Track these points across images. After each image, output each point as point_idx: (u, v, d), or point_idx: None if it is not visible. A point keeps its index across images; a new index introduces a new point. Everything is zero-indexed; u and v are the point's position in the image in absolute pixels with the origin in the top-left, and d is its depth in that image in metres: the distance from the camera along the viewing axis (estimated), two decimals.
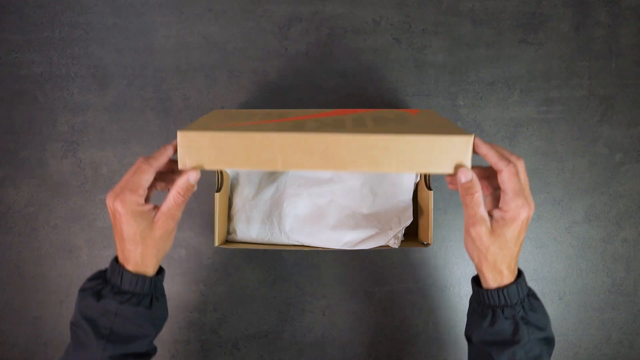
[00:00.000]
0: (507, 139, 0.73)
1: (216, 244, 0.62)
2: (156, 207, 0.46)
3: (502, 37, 0.74)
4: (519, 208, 0.43)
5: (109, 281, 0.45)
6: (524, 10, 0.74)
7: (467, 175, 0.43)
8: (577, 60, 0.74)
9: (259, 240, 0.66)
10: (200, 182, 0.73)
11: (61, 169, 0.74)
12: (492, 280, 0.46)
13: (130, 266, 0.45)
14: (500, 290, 0.45)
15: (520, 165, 0.45)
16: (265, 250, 0.72)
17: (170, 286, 0.73)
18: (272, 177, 0.66)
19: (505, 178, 0.44)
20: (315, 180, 0.64)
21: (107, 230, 0.73)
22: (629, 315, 0.73)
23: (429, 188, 0.61)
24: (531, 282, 0.72)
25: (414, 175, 0.63)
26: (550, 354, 0.47)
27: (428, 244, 0.61)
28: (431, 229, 0.61)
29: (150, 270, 0.45)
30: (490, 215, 0.45)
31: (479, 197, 0.44)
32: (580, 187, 0.73)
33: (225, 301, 0.73)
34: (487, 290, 0.46)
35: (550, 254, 0.73)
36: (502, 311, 0.45)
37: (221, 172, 0.63)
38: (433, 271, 0.73)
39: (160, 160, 0.46)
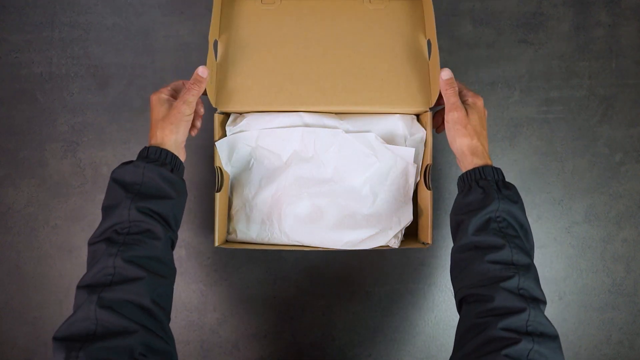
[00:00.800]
0: (507, 139, 0.73)
1: (216, 244, 0.62)
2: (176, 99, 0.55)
3: (502, 37, 0.74)
4: (474, 96, 0.56)
5: (138, 157, 0.52)
6: (524, 10, 0.74)
7: (448, 74, 0.55)
8: (577, 60, 0.74)
9: (259, 240, 0.66)
10: (200, 183, 0.73)
11: (61, 169, 0.74)
12: (473, 159, 0.53)
13: (153, 142, 0.53)
14: (477, 168, 0.52)
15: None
16: (265, 250, 0.72)
17: None
18: (272, 177, 0.66)
19: (451, 91, 0.56)
20: (315, 180, 0.64)
21: None
22: (629, 315, 0.73)
23: (429, 188, 0.61)
24: None
25: (414, 175, 0.63)
26: (528, 246, 0.49)
27: (428, 244, 0.61)
28: (431, 229, 0.61)
29: (169, 147, 0.53)
30: None
31: (456, 89, 0.55)
32: (580, 187, 0.73)
33: (225, 301, 0.73)
34: (467, 170, 0.53)
35: (550, 254, 0.73)
36: (477, 183, 0.51)
37: (221, 172, 0.63)
38: (433, 271, 0.73)
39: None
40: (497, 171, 0.52)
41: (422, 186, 0.63)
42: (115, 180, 0.49)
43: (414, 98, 0.61)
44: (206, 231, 0.73)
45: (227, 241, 0.67)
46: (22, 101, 0.74)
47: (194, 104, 0.54)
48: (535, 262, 0.72)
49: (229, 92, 0.61)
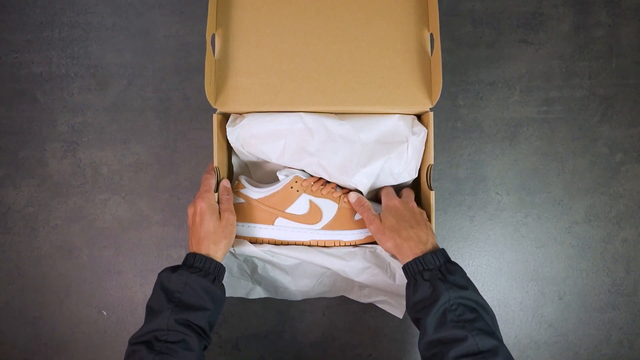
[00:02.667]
0: (507, 139, 0.73)
1: None
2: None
3: (502, 37, 0.74)
4: (385, 197, 0.61)
5: (185, 263, 0.56)
6: (524, 10, 0.74)
7: (354, 197, 0.62)
8: (577, 60, 0.74)
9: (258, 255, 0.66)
10: (200, 183, 0.73)
11: (61, 169, 0.74)
12: (408, 252, 0.54)
13: (203, 251, 0.56)
14: (417, 258, 0.53)
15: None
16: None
17: None
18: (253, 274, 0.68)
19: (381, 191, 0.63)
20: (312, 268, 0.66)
21: (107, 230, 0.73)
22: (629, 315, 0.73)
23: (431, 188, 0.61)
24: (531, 282, 0.73)
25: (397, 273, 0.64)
26: (490, 322, 0.49)
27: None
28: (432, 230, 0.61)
29: (218, 256, 0.57)
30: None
31: (368, 205, 0.61)
32: (580, 187, 0.73)
33: (225, 301, 0.72)
34: (407, 262, 0.54)
35: (550, 254, 0.73)
36: (422, 276, 0.51)
37: (220, 172, 0.63)
38: None
39: (211, 170, 0.62)
40: (437, 255, 0.53)
41: (424, 186, 0.63)
42: (161, 286, 0.54)
43: (415, 97, 0.60)
44: None
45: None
46: (22, 101, 0.74)
47: (233, 210, 0.60)
48: (535, 262, 0.73)
49: (228, 92, 0.61)
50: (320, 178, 0.65)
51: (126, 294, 0.73)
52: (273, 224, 0.63)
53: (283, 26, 0.62)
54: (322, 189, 0.63)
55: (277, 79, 0.61)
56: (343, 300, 0.72)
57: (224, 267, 0.58)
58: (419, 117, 0.65)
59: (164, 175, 0.73)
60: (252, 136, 0.62)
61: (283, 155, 0.63)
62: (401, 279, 0.61)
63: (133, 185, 0.74)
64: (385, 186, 0.64)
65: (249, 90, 0.61)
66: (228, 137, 0.63)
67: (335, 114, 0.64)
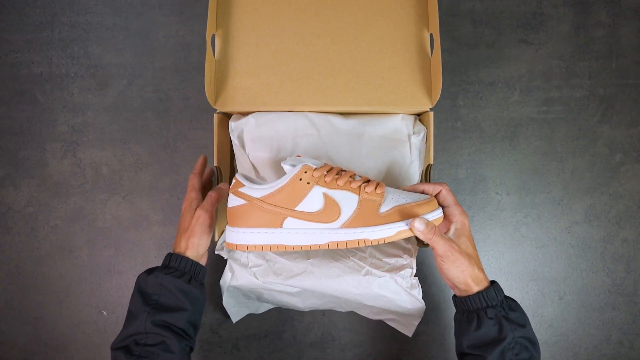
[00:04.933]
0: (507, 139, 0.73)
1: (216, 239, 0.62)
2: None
3: (502, 37, 0.74)
4: (462, 215, 0.54)
5: (162, 264, 0.56)
6: (524, 10, 0.74)
7: (421, 224, 0.50)
8: (577, 60, 0.74)
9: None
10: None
11: (61, 169, 0.74)
12: (475, 286, 0.51)
13: (179, 249, 0.56)
14: (480, 293, 0.50)
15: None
16: None
17: None
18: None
19: (445, 193, 0.54)
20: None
21: (106, 230, 0.73)
22: (629, 315, 0.73)
23: None
24: (531, 282, 0.73)
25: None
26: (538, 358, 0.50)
27: (428, 245, 0.61)
28: None
29: (191, 255, 0.55)
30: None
31: (436, 231, 0.50)
32: (580, 187, 0.73)
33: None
34: (469, 296, 0.51)
35: (550, 254, 0.73)
36: (486, 313, 0.50)
37: (220, 172, 0.63)
38: (433, 271, 0.73)
39: (198, 167, 0.61)
40: (498, 291, 0.51)
41: None
42: (138, 289, 0.54)
43: (415, 97, 0.60)
44: None
45: None
46: (22, 101, 0.74)
47: (213, 211, 0.57)
48: (535, 262, 0.73)
49: (228, 92, 0.61)
50: (333, 167, 0.55)
51: (126, 294, 0.73)
52: (281, 227, 0.52)
53: (283, 26, 0.62)
54: (337, 178, 0.53)
55: (277, 79, 0.61)
56: None
57: (203, 267, 0.56)
58: (419, 117, 0.65)
59: (164, 175, 0.74)
60: (256, 134, 0.62)
61: (288, 152, 0.62)
62: (416, 304, 0.59)
63: (133, 185, 0.74)
64: (446, 190, 0.54)
65: (249, 91, 0.61)
66: (231, 136, 0.63)
67: (336, 113, 0.64)
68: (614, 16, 0.74)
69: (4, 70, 0.74)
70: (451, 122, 0.74)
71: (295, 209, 0.52)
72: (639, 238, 0.73)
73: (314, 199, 0.52)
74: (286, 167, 0.53)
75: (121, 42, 0.75)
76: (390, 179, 0.63)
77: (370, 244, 0.52)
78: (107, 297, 0.73)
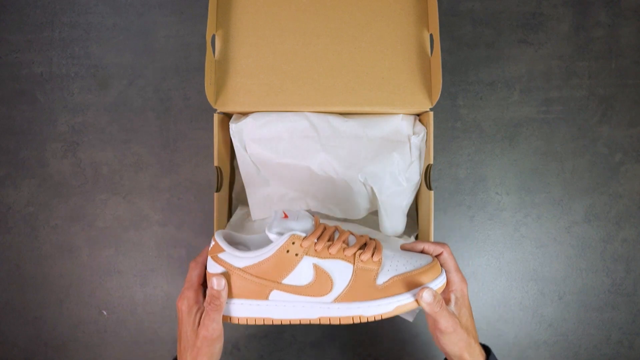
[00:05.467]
0: (507, 139, 0.73)
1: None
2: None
3: (502, 37, 0.74)
4: (462, 282, 0.50)
5: None
6: (524, 10, 0.74)
7: (429, 296, 0.45)
8: (577, 60, 0.74)
9: None
10: (200, 183, 0.73)
11: (61, 169, 0.74)
12: (470, 359, 0.49)
13: None
14: None
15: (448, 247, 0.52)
16: None
17: (170, 286, 0.73)
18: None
19: (447, 256, 0.51)
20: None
21: (107, 230, 0.73)
22: (629, 315, 0.73)
23: (430, 188, 0.61)
24: (531, 282, 0.73)
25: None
26: None
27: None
28: (431, 229, 0.61)
29: None
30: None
31: (443, 304, 0.46)
32: (580, 187, 0.73)
33: None
34: None
35: (550, 254, 0.73)
36: None
37: (221, 172, 0.63)
38: None
39: (204, 255, 0.51)
40: (490, 356, 0.51)
41: (423, 186, 0.63)
42: None
43: (415, 98, 0.60)
44: (206, 230, 0.73)
45: None
46: (22, 101, 0.74)
47: (220, 323, 0.47)
48: (535, 262, 0.73)
49: (228, 93, 0.61)
50: (324, 230, 0.49)
51: (126, 294, 0.73)
52: (267, 299, 0.47)
53: (283, 26, 0.62)
54: (329, 246, 0.47)
55: (277, 80, 0.61)
56: None
57: None
58: (419, 117, 0.65)
59: (164, 175, 0.74)
60: (256, 135, 0.62)
61: (288, 153, 0.62)
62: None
63: (133, 185, 0.74)
64: (447, 253, 0.51)
65: (249, 91, 0.61)
66: (231, 137, 0.63)
67: (336, 114, 0.64)
68: (613, 16, 0.74)
69: (4, 70, 0.74)
70: (451, 122, 0.74)
71: (283, 282, 0.47)
72: (639, 238, 0.73)
73: (303, 271, 0.47)
74: (272, 236, 0.48)
75: (121, 42, 0.75)
76: (391, 179, 0.63)
77: (365, 320, 0.48)
78: (107, 297, 0.73)
